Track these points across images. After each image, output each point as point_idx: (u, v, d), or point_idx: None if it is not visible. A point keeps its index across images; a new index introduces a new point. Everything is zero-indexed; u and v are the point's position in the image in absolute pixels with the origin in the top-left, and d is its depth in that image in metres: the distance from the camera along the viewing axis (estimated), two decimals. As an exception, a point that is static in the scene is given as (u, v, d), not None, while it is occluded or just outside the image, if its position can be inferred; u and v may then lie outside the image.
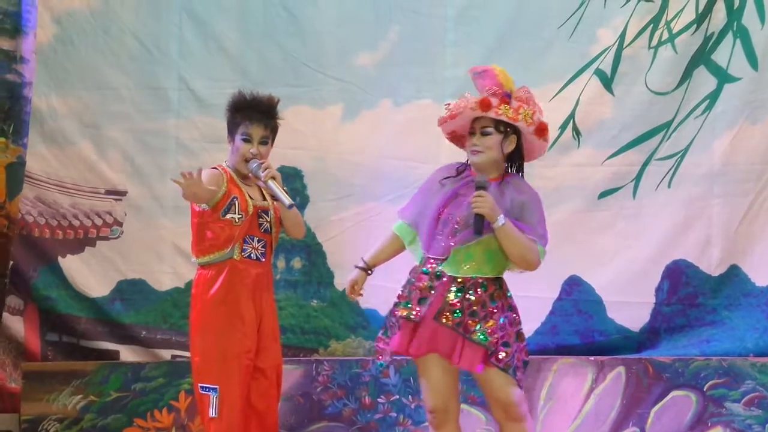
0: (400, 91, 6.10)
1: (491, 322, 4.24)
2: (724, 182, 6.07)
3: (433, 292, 4.30)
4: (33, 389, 5.72)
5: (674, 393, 5.84)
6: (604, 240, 6.06)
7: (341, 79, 6.08)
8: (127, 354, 5.96)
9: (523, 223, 4.25)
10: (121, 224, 6.04)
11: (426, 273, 4.35)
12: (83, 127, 6.02)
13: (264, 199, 4.55)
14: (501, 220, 4.19)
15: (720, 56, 6.03)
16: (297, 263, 6.07)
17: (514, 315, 4.33)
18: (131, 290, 6.00)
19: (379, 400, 5.84)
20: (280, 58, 6.06)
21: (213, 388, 4.35)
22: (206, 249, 4.47)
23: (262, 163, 4.47)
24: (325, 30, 6.10)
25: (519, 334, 4.33)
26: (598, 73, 6.06)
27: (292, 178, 5.97)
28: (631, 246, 6.09)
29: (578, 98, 6.03)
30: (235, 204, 4.45)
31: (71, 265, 5.97)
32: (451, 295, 4.27)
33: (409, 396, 5.82)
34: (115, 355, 5.96)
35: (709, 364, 5.86)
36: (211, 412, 4.33)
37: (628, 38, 6.04)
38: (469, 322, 4.23)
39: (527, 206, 4.29)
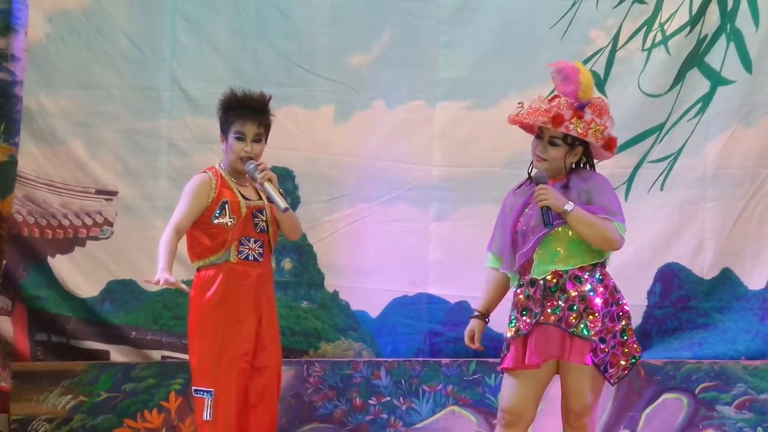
0: (393, 92, 6.09)
1: (593, 316, 4.21)
2: (717, 185, 6.06)
3: (531, 301, 4.28)
4: (22, 389, 5.71)
5: (666, 396, 5.84)
6: (597, 242, 6.05)
7: (334, 79, 6.07)
8: (117, 354, 5.95)
9: (593, 206, 4.25)
10: (111, 224, 6.02)
11: (521, 286, 4.35)
12: (74, 127, 6.00)
13: (259, 198, 4.54)
14: (569, 206, 4.20)
15: (713, 59, 6.03)
16: (287, 264, 6.06)
17: (618, 311, 4.29)
18: (121, 291, 5.98)
19: (370, 401, 5.83)
20: (273, 58, 6.05)
21: (208, 391, 4.35)
22: (201, 253, 4.48)
23: (258, 165, 4.47)
24: (318, 31, 6.08)
25: (624, 330, 4.29)
26: (591, 74, 6.03)
27: (283, 178, 5.94)
28: (624, 249, 5.98)
29: (571, 100, 6.03)
30: (225, 208, 4.44)
31: (61, 265, 5.95)
32: (548, 296, 4.25)
33: (400, 397, 5.82)
34: (105, 355, 5.94)
35: (700, 367, 5.86)
36: (205, 415, 4.34)
37: (622, 40, 6.04)
38: (571, 316, 4.21)
39: (593, 190, 4.30)
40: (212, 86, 5.99)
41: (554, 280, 4.26)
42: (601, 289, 4.26)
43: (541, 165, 4.34)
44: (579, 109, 4.28)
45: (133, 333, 5.98)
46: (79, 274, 5.97)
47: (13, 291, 5.92)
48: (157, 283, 4.26)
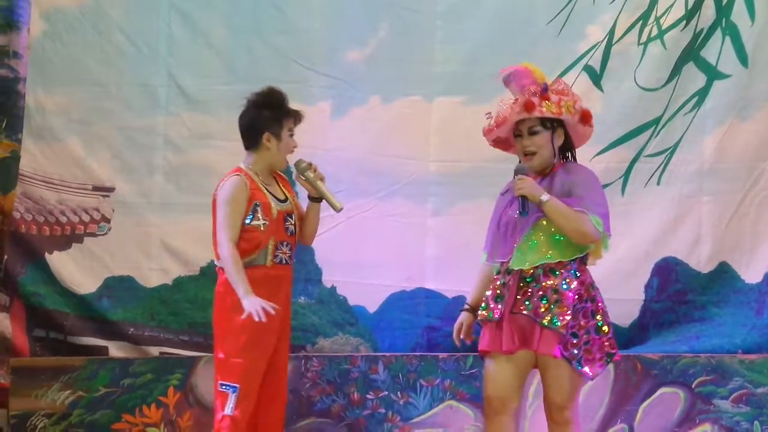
0: (390, 87, 6.09)
1: (563, 308, 4.23)
2: (714, 179, 6.06)
3: (505, 288, 4.32)
4: (21, 385, 5.73)
5: (663, 390, 5.84)
6: (593, 237, 6.06)
7: (330, 75, 6.08)
8: (116, 350, 5.97)
9: (571, 198, 4.26)
10: (108, 221, 6.04)
11: (498, 273, 4.40)
12: (71, 124, 6.02)
13: (285, 199, 4.54)
14: (545, 197, 4.23)
15: (709, 53, 6.02)
16: (284, 260, 6.06)
17: (593, 308, 4.30)
18: (119, 287, 6.00)
19: (367, 396, 5.84)
20: (269, 54, 6.05)
21: (233, 387, 4.41)
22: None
23: (311, 163, 4.48)
24: (314, 26, 6.09)
25: (599, 327, 4.30)
26: (587, 69, 6.05)
27: (281, 175, 5.97)
28: (621, 243, 6.04)
29: (567, 94, 6.03)
30: (258, 210, 4.45)
31: (58, 261, 5.97)
32: (523, 286, 4.29)
33: (398, 392, 5.83)
34: (103, 351, 5.96)
35: (697, 360, 5.86)
36: (228, 410, 4.39)
37: (618, 34, 6.03)
38: (541, 308, 4.23)
39: (576, 182, 4.31)
40: (209, 82, 6.05)
41: (530, 271, 4.29)
42: (576, 284, 4.27)
43: (532, 160, 4.36)
44: (544, 92, 4.31)
45: (131, 329, 5.99)
46: (77, 270, 5.99)
47: (11, 287, 5.94)
48: (258, 317, 4.25)
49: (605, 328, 4.32)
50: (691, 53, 6.03)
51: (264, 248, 4.45)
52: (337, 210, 4.54)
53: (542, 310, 4.24)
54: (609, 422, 5.83)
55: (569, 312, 4.23)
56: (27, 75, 6.01)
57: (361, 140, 6.10)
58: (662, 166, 6.07)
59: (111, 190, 6.04)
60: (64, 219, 6.02)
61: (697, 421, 5.82)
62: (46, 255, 5.97)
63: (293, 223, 4.54)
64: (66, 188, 6.02)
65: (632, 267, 6.06)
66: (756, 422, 5.80)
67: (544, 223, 4.29)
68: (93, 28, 6.02)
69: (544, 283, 4.27)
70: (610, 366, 5.78)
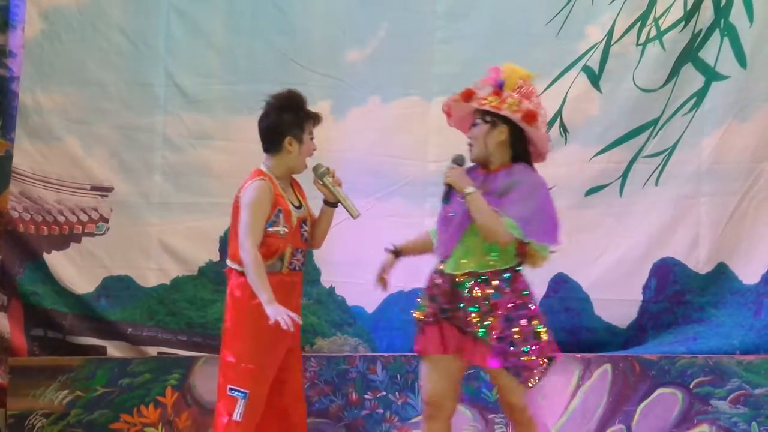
0: (389, 87, 6.10)
1: (493, 318, 4.24)
2: (712, 180, 6.07)
3: (439, 290, 4.34)
4: (19, 384, 5.72)
5: (660, 390, 5.85)
6: (591, 238, 6.06)
7: (330, 75, 6.07)
8: (114, 350, 5.96)
9: (504, 200, 4.26)
10: (107, 221, 6.03)
11: (436, 272, 4.41)
12: (69, 123, 6.01)
13: (300, 206, 4.54)
14: (469, 189, 4.24)
15: (708, 54, 6.03)
16: (283, 260, 6.06)
17: (528, 314, 4.30)
18: (117, 287, 6.00)
19: (365, 396, 5.84)
20: (268, 54, 6.05)
21: (243, 392, 4.38)
22: None
23: (328, 169, 4.50)
24: (313, 26, 6.09)
25: (536, 333, 4.30)
26: (586, 69, 6.05)
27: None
28: (619, 244, 6.09)
29: (565, 95, 6.03)
30: (280, 217, 4.44)
31: (56, 261, 5.96)
32: (457, 294, 4.30)
33: (396, 392, 5.83)
34: (101, 350, 5.96)
35: (695, 361, 5.87)
36: (236, 416, 4.37)
37: (616, 35, 6.04)
38: (473, 317, 4.24)
39: (512, 185, 4.30)
40: (207, 82, 6.04)
41: (463, 278, 4.30)
42: (508, 290, 4.28)
43: (471, 152, 4.39)
44: (498, 87, 4.32)
45: (129, 329, 5.99)
46: (75, 270, 5.98)
47: (9, 287, 5.93)
48: (286, 325, 4.20)
49: (543, 332, 4.32)
50: (690, 54, 6.03)
51: (281, 255, 4.44)
52: (354, 217, 4.53)
53: (474, 320, 4.25)
54: (607, 423, 5.83)
55: (501, 322, 4.23)
56: (21, 74, 5.99)
57: (360, 140, 6.10)
58: (661, 167, 6.08)
59: (109, 189, 6.04)
60: (62, 219, 6.02)
61: (695, 421, 5.83)
62: (45, 254, 5.96)
63: (307, 229, 4.55)
64: (64, 188, 6.01)
65: (630, 268, 6.07)
66: (753, 423, 5.82)
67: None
68: (92, 27, 6.01)
69: (475, 292, 4.27)
70: (608, 366, 5.83)
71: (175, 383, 5.76)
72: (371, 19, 6.09)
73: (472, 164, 4.47)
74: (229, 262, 4.50)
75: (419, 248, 4.62)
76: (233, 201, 4.51)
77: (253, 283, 4.30)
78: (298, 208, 4.54)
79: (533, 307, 4.34)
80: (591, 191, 6.07)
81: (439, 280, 4.36)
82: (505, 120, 4.32)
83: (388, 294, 6.03)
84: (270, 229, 4.41)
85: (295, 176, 4.64)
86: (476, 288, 4.27)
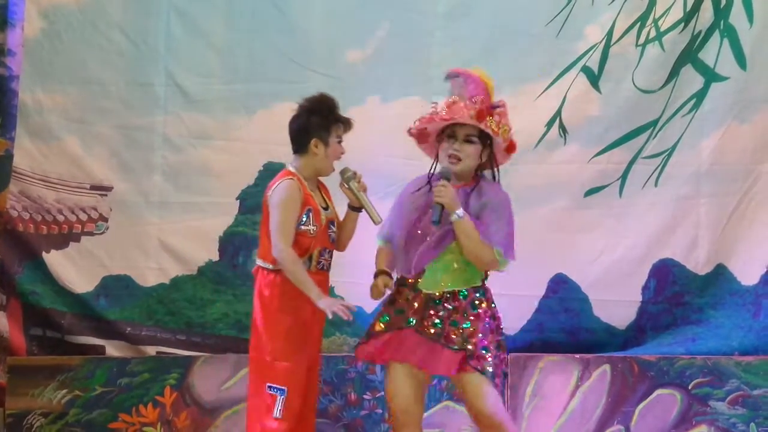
0: (388, 88, 6.09)
1: (471, 329, 4.26)
2: (712, 181, 6.07)
3: (413, 303, 4.33)
4: (18, 384, 5.73)
5: (659, 391, 5.85)
6: (591, 238, 6.06)
7: (329, 75, 6.07)
8: (112, 349, 5.97)
9: (482, 223, 4.27)
10: (106, 220, 6.03)
11: (405, 286, 4.40)
12: (69, 122, 6.02)
13: (326, 207, 4.57)
14: (460, 212, 4.23)
15: (707, 55, 6.03)
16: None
17: (497, 324, 4.36)
18: (116, 286, 6.00)
19: (364, 396, 5.84)
20: (268, 54, 6.05)
21: (281, 390, 4.40)
22: None
23: (355, 173, 4.52)
24: (313, 26, 6.09)
25: (500, 344, 4.35)
26: (585, 70, 6.05)
27: (279, 174, 5.96)
28: (618, 244, 6.09)
29: (565, 96, 6.03)
30: (310, 216, 4.46)
31: (55, 260, 5.97)
32: (431, 307, 4.31)
33: (395, 393, 5.82)
34: (100, 350, 5.96)
35: (694, 362, 5.87)
36: (276, 413, 4.39)
37: (616, 36, 6.04)
38: (451, 331, 4.26)
39: (486, 206, 4.32)
40: (207, 82, 6.04)
41: (441, 295, 4.30)
42: (484, 304, 4.31)
43: (456, 165, 4.35)
44: (492, 108, 4.33)
45: (128, 328, 5.99)
46: (74, 269, 5.98)
47: (8, 286, 5.93)
48: (349, 318, 4.28)
49: (503, 345, 4.38)
50: (690, 55, 6.03)
51: (310, 254, 4.46)
52: (376, 223, 4.56)
53: (453, 336, 4.26)
54: (606, 424, 5.83)
55: (480, 333, 4.25)
56: (21, 73, 5.99)
57: (359, 141, 6.01)
58: (660, 168, 6.08)
59: (109, 189, 6.04)
60: (61, 218, 6.02)
61: (694, 422, 5.84)
62: (44, 254, 5.96)
63: (334, 230, 4.57)
64: (64, 187, 6.01)
65: (629, 268, 6.07)
66: (752, 424, 5.82)
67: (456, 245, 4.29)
68: (92, 26, 6.02)
69: (452, 305, 4.29)
70: (607, 367, 5.83)
71: (174, 383, 5.77)
72: (371, 20, 6.09)
73: (422, 176, 4.49)
74: (258, 261, 4.53)
75: (392, 265, 4.56)
76: (263, 200, 4.54)
77: (296, 280, 4.35)
78: (326, 209, 4.57)
79: (499, 319, 4.40)
80: (590, 192, 6.06)
81: (410, 295, 4.35)
82: (491, 141, 4.36)
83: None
84: (301, 228, 4.43)
85: (322, 179, 4.66)
86: (454, 301, 4.30)
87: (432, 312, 4.30)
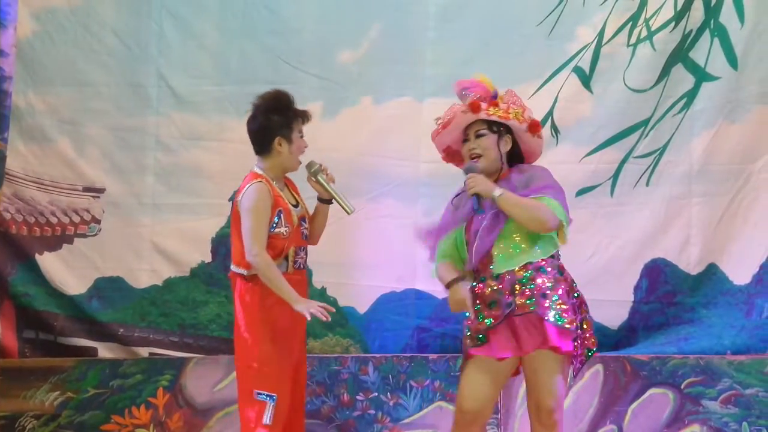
0: (381, 88, 6.10)
1: (562, 304, 4.21)
2: (703, 181, 6.08)
3: (498, 294, 4.28)
4: (10, 386, 5.73)
5: (652, 391, 5.85)
6: (582, 238, 6.03)
7: (321, 76, 6.08)
8: (105, 351, 5.96)
9: (528, 189, 4.26)
10: (99, 221, 6.04)
11: (482, 281, 4.33)
12: (62, 124, 6.02)
13: (296, 204, 4.55)
14: (498, 191, 4.23)
15: (698, 54, 6.04)
16: (274, 261, 6.06)
17: (578, 303, 4.32)
18: (109, 288, 6.00)
19: (357, 397, 5.84)
20: (260, 55, 6.06)
21: (271, 396, 4.40)
22: None
23: (321, 166, 4.49)
24: (305, 27, 6.10)
25: (583, 322, 4.32)
26: (577, 70, 6.06)
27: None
28: (610, 244, 6.09)
29: (557, 96, 6.04)
30: (281, 217, 4.45)
31: (48, 262, 5.97)
32: (517, 286, 4.26)
33: (388, 393, 5.83)
34: (93, 352, 5.96)
35: (686, 362, 5.87)
36: (266, 419, 4.38)
37: (607, 36, 6.05)
38: (544, 304, 4.21)
39: (531, 177, 4.33)
40: (199, 83, 6.05)
41: (521, 272, 4.27)
42: (563, 280, 4.29)
43: (479, 162, 4.37)
44: (493, 98, 4.36)
45: (121, 330, 5.98)
46: (67, 271, 5.98)
47: (1, 288, 5.93)
48: (327, 319, 4.27)
49: (588, 323, 4.35)
50: (680, 55, 6.04)
51: (286, 254, 4.45)
52: (349, 213, 4.57)
53: (546, 305, 4.21)
54: (598, 423, 5.84)
55: (570, 309, 4.23)
56: (13, 73, 5.99)
57: (352, 141, 6.10)
58: (651, 168, 6.09)
59: (101, 190, 6.04)
60: (54, 220, 6.01)
61: (686, 422, 5.84)
62: (36, 255, 5.96)
63: (306, 227, 4.56)
64: (56, 189, 6.01)
65: (621, 268, 6.08)
66: (744, 423, 5.82)
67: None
68: (83, 28, 6.02)
69: (538, 281, 4.25)
70: (600, 367, 5.84)
71: (166, 384, 5.76)
72: (363, 20, 6.10)
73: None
74: (233, 268, 4.51)
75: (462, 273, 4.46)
76: (232, 205, 4.52)
77: (273, 284, 4.33)
78: (296, 206, 4.55)
79: (583, 298, 4.36)
80: (582, 192, 6.06)
81: (494, 285, 4.28)
82: (508, 129, 4.38)
83: (380, 294, 6.08)
84: (273, 231, 4.41)
85: (288, 175, 4.64)
86: (538, 277, 4.24)
87: (523, 291, 4.24)
